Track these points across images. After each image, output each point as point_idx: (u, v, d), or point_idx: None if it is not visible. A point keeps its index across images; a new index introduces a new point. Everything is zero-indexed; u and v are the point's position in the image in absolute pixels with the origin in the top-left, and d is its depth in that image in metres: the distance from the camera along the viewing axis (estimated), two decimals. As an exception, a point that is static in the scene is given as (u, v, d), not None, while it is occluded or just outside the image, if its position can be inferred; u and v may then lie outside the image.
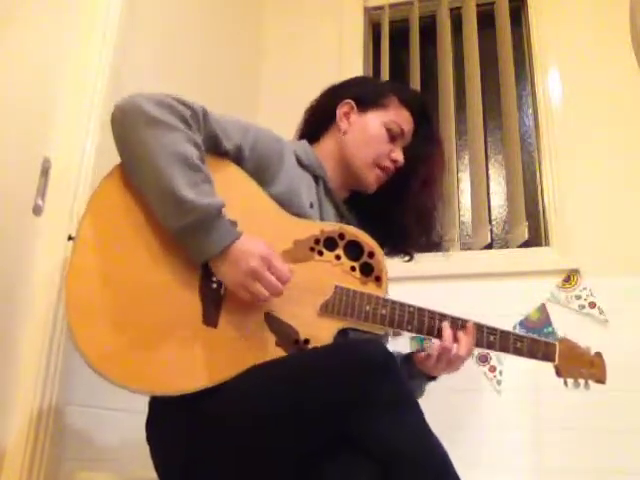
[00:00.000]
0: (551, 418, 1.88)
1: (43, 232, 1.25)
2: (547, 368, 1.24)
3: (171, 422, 1.01)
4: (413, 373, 1.21)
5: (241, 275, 0.96)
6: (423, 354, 1.18)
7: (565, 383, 1.23)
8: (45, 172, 1.28)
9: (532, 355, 1.18)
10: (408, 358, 1.23)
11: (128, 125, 0.98)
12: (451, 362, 1.14)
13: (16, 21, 1.23)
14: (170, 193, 0.94)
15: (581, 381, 1.23)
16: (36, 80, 1.30)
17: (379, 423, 0.86)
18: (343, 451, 0.87)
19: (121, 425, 1.40)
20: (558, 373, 1.22)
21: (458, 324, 1.14)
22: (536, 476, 1.83)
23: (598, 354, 1.24)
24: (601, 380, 1.23)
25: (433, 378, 1.23)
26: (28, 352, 1.20)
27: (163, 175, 0.94)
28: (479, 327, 1.16)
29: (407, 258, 1.36)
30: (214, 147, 1.06)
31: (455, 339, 1.13)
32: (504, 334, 1.17)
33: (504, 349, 1.17)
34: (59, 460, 1.23)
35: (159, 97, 1.00)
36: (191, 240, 0.96)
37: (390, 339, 1.65)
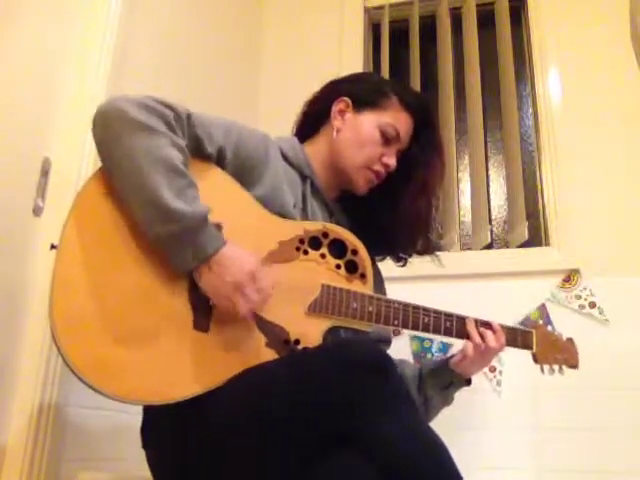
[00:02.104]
0: (551, 418, 1.88)
1: (43, 232, 1.25)
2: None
3: (166, 428, 1.00)
4: (453, 379, 1.22)
5: (225, 286, 0.95)
6: (459, 356, 1.19)
7: (542, 370, 1.26)
8: (45, 172, 1.28)
9: (511, 344, 1.22)
10: (443, 366, 1.23)
11: (111, 129, 0.95)
12: (484, 356, 1.18)
13: (16, 21, 1.23)
14: (154, 200, 0.91)
15: (555, 367, 1.25)
16: (36, 80, 1.30)
17: (377, 423, 0.86)
18: (340, 453, 0.87)
19: (121, 425, 1.40)
20: (535, 360, 1.25)
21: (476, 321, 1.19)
22: (536, 476, 1.83)
23: (570, 340, 1.28)
24: (574, 365, 1.26)
25: (469, 382, 1.24)
26: (28, 352, 1.20)
27: (147, 181, 0.92)
28: (456, 318, 1.18)
29: (401, 263, 1.34)
30: (197, 150, 1.04)
31: (480, 335, 1.17)
32: (484, 324, 1.20)
33: None
34: (59, 460, 1.23)
35: (142, 100, 0.97)
36: (174, 248, 0.94)
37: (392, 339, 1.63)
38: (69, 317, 0.90)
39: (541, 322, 1.94)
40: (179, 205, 0.92)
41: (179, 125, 1.00)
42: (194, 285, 0.98)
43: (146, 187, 0.92)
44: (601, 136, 2.14)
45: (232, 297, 0.95)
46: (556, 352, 1.25)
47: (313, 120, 1.29)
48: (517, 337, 1.23)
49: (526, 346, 1.24)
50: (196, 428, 0.95)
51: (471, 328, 1.18)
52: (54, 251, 0.94)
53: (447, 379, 1.22)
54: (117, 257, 0.95)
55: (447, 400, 1.24)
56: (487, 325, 1.20)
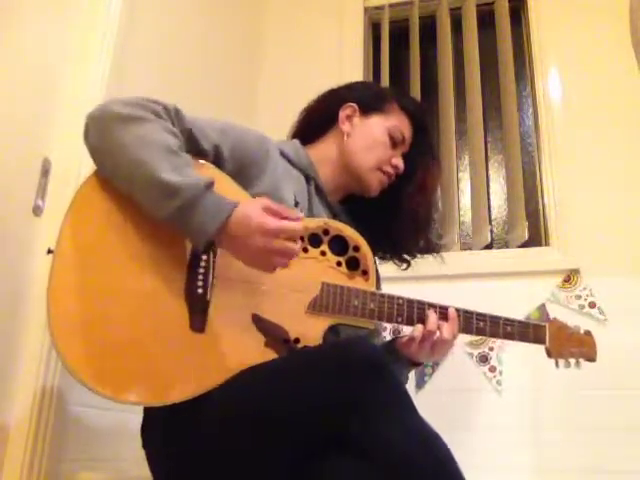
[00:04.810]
0: (551, 418, 1.88)
1: (43, 232, 1.25)
2: (547, 367, 1.24)
3: (165, 429, 1.00)
4: (396, 358, 1.19)
5: (252, 245, 0.92)
6: (405, 338, 1.16)
7: (556, 364, 1.23)
8: (45, 172, 1.28)
9: (522, 338, 1.18)
10: (390, 344, 1.22)
11: (101, 129, 0.96)
12: (435, 346, 1.13)
13: (16, 21, 1.23)
14: (154, 180, 0.91)
15: (571, 360, 1.22)
16: (36, 80, 1.30)
17: (376, 423, 0.86)
18: (339, 453, 0.87)
19: (121, 425, 1.40)
20: (549, 354, 1.22)
21: (444, 313, 1.14)
22: (536, 476, 1.83)
23: (588, 332, 1.25)
24: (592, 358, 1.23)
25: (417, 365, 1.22)
26: (28, 352, 1.20)
27: (144, 164, 0.92)
28: (468, 313, 1.15)
29: (404, 266, 1.35)
30: (190, 145, 1.03)
31: (438, 324, 1.12)
32: (494, 319, 1.17)
33: (494, 334, 1.17)
34: (59, 460, 1.23)
35: (128, 98, 0.99)
36: (188, 222, 0.92)
37: (390, 336, 1.64)
38: (66, 319, 0.91)
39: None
40: (178, 178, 0.91)
41: (168, 117, 1.01)
42: (190, 285, 0.98)
43: (145, 171, 0.92)
44: (601, 136, 2.14)
45: (262, 255, 0.94)
46: (572, 346, 1.21)
47: (315, 126, 1.31)
48: (529, 331, 1.19)
49: (538, 340, 1.19)
50: (195, 428, 0.95)
51: (431, 315, 1.12)
52: (51, 255, 0.94)
53: (394, 357, 1.19)
54: (113, 259, 0.96)
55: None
56: (444, 316, 1.14)
